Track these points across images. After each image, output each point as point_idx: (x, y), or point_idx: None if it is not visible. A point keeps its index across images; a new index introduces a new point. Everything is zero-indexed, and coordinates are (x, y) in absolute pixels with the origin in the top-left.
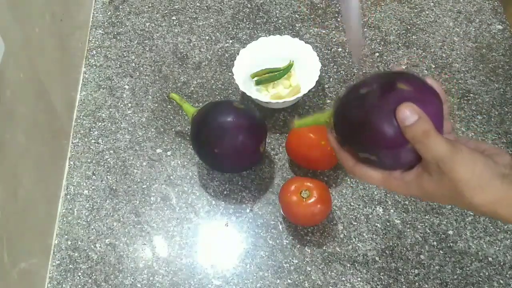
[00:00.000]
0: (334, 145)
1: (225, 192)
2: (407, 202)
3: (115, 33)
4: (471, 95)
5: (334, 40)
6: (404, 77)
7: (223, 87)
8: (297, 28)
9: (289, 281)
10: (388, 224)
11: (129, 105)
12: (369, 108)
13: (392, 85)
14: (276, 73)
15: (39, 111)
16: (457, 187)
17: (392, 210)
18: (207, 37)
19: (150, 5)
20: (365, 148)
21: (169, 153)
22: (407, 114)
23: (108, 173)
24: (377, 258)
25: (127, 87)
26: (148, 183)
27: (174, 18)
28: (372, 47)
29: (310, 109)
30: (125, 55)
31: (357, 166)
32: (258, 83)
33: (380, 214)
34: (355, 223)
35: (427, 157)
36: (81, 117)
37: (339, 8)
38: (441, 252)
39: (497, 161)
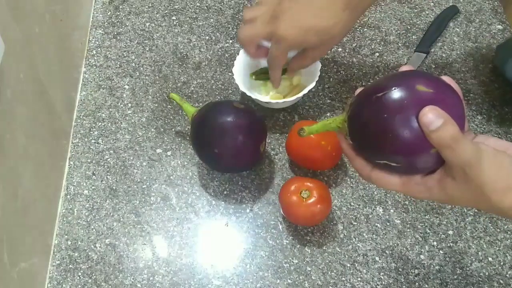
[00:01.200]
0: (348, 152)
1: (225, 192)
2: (407, 202)
3: (115, 33)
4: (471, 95)
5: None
6: (421, 77)
7: (223, 87)
8: None
9: (289, 281)
10: (388, 224)
11: (129, 105)
12: (389, 113)
13: (411, 87)
14: None
15: (39, 111)
16: (483, 191)
17: (392, 210)
18: (207, 37)
19: (150, 5)
20: (385, 154)
21: (169, 153)
22: (432, 119)
23: (108, 173)
24: (377, 258)
25: (127, 87)
26: (148, 183)
27: (174, 18)
28: (372, 47)
29: (310, 109)
30: (125, 55)
31: (374, 172)
32: (256, 78)
33: (380, 214)
34: (355, 223)
35: (453, 162)
36: (81, 117)
37: None
38: (441, 252)
39: None
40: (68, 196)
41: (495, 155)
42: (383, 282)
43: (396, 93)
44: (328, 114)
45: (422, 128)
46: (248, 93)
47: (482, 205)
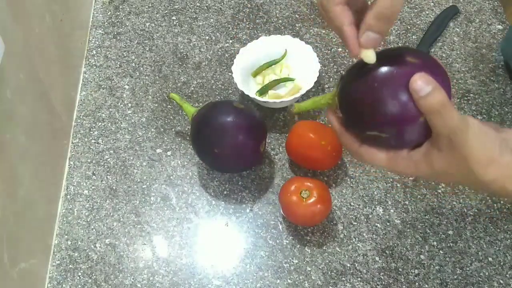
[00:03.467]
0: (336, 127)
1: (225, 192)
2: (407, 202)
3: (115, 33)
4: (471, 95)
5: (334, 40)
6: (410, 51)
7: (223, 87)
8: (297, 28)
9: (289, 281)
10: (388, 224)
11: (129, 105)
12: (379, 82)
13: (400, 58)
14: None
15: (39, 111)
16: (467, 162)
17: (392, 210)
18: (207, 37)
19: (150, 5)
20: (374, 124)
21: (169, 153)
22: (421, 85)
23: (108, 173)
24: (377, 258)
25: (127, 87)
26: (148, 183)
27: (174, 18)
28: None
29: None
30: (125, 55)
31: (362, 148)
32: (254, 74)
33: (380, 214)
34: (355, 223)
35: (440, 130)
36: (81, 117)
37: None
38: (441, 252)
39: (507, 137)
40: (68, 196)
41: (480, 127)
42: (383, 282)
43: (386, 64)
44: None
45: (412, 94)
46: (247, 92)
47: (466, 179)
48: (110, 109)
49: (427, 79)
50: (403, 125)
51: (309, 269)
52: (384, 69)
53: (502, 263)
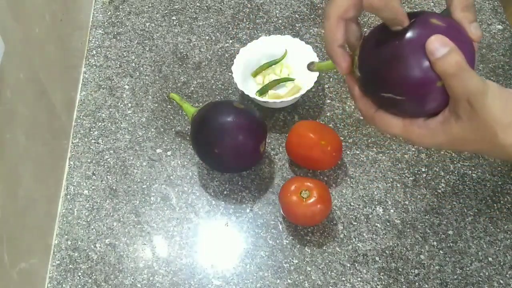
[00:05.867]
0: (354, 92)
1: (225, 192)
2: (407, 202)
3: (115, 33)
4: None
5: None
6: (436, 14)
7: (223, 87)
8: (297, 28)
9: (289, 281)
10: (388, 224)
11: (129, 105)
12: (400, 42)
13: (425, 20)
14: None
15: (39, 111)
16: (488, 125)
17: (392, 210)
18: (207, 37)
19: (150, 5)
20: (392, 85)
21: (169, 153)
22: (437, 46)
23: (108, 173)
24: (377, 258)
25: (127, 87)
26: (148, 183)
27: (174, 18)
28: None
29: (310, 109)
30: (125, 55)
31: (378, 113)
32: (254, 74)
33: (380, 214)
34: (355, 223)
35: (458, 93)
36: (81, 117)
37: None
38: (441, 252)
39: None
40: (68, 196)
41: (500, 90)
42: (383, 282)
43: (410, 24)
44: (328, 114)
45: (428, 57)
46: (247, 92)
47: (485, 144)
48: (110, 109)
49: (443, 41)
50: (419, 88)
51: (309, 269)
52: (407, 28)
53: (502, 263)
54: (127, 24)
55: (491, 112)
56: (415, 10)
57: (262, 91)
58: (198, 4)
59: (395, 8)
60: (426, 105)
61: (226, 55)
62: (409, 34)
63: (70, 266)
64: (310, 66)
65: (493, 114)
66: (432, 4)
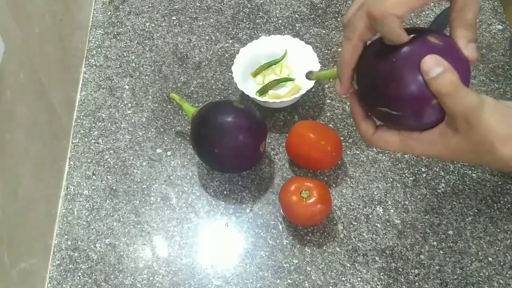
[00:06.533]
0: (356, 116)
1: (225, 192)
2: (407, 202)
3: (115, 33)
4: None
5: (334, 40)
6: (434, 32)
7: (223, 87)
8: (297, 28)
9: (289, 281)
10: (388, 224)
11: (129, 105)
12: (397, 59)
13: (423, 38)
14: (271, 63)
15: (39, 111)
16: (486, 139)
17: (392, 210)
18: (207, 37)
19: (150, 5)
20: (388, 100)
21: (169, 153)
22: (431, 66)
23: (108, 173)
24: (377, 258)
25: (127, 87)
26: (148, 183)
27: (174, 18)
28: None
29: (310, 109)
30: (125, 55)
31: (376, 134)
32: (254, 74)
33: (380, 214)
34: (355, 223)
35: (453, 109)
36: (81, 117)
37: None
38: (441, 252)
39: None
40: (68, 196)
41: (496, 103)
42: (383, 282)
43: (409, 41)
44: (328, 114)
45: (423, 76)
46: (246, 92)
47: (484, 157)
48: (110, 109)
49: (437, 60)
50: (415, 106)
51: (309, 269)
52: (403, 46)
53: (502, 263)
54: (127, 24)
55: (488, 126)
56: (417, 26)
57: (262, 91)
58: (198, 4)
59: (391, 25)
60: (423, 120)
61: (226, 55)
62: (405, 51)
63: (70, 266)
64: (309, 75)
65: (491, 128)
66: (432, 4)
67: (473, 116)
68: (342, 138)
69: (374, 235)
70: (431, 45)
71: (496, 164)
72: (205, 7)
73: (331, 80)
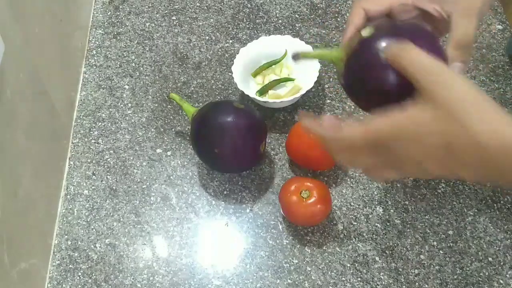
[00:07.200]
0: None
1: (225, 192)
2: (407, 202)
3: (115, 33)
4: None
5: (334, 40)
6: (404, 25)
7: (223, 87)
8: (297, 28)
9: (289, 281)
10: (388, 224)
11: (129, 105)
12: (369, 49)
13: (388, 24)
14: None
15: (39, 111)
16: (453, 110)
17: (392, 210)
18: (207, 37)
19: (150, 5)
20: (364, 81)
21: (169, 153)
22: (389, 46)
23: (108, 173)
24: (377, 258)
25: (127, 87)
26: (148, 183)
27: (174, 18)
28: None
29: (310, 109)
30: (125, 55)
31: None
32: (254, 75)
33: (380, 214)
34: (355, 223)
35: (412, 72)
36: (81, 117)
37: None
38: (441, 252)
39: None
40: (68, 196)
41: (461, 76)
42: (383, 282)
43: (379, 35)
44: (328, 114)
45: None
46: (246, 92)
47: (457, 137)
48: (110, 109)
49: (397, 44)
50: (379, 71)
51: (309, 269)
52: (374, 40)
53: (502, 263)
54: (127, 24)
55: (454, 94)
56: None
57: (262, 91)
58: (198, 4)
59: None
60: (389, 87)
61: (226, 55)
62: (374, 43)
63: (70, 266)
64: (296, 57)
65: (457, 96)
66: None
67: (433, 80)
68: None
69: (374, 235)
70: (396, 27)
71: (470, 151)
72: (205, 7)
73: (330, 80)
